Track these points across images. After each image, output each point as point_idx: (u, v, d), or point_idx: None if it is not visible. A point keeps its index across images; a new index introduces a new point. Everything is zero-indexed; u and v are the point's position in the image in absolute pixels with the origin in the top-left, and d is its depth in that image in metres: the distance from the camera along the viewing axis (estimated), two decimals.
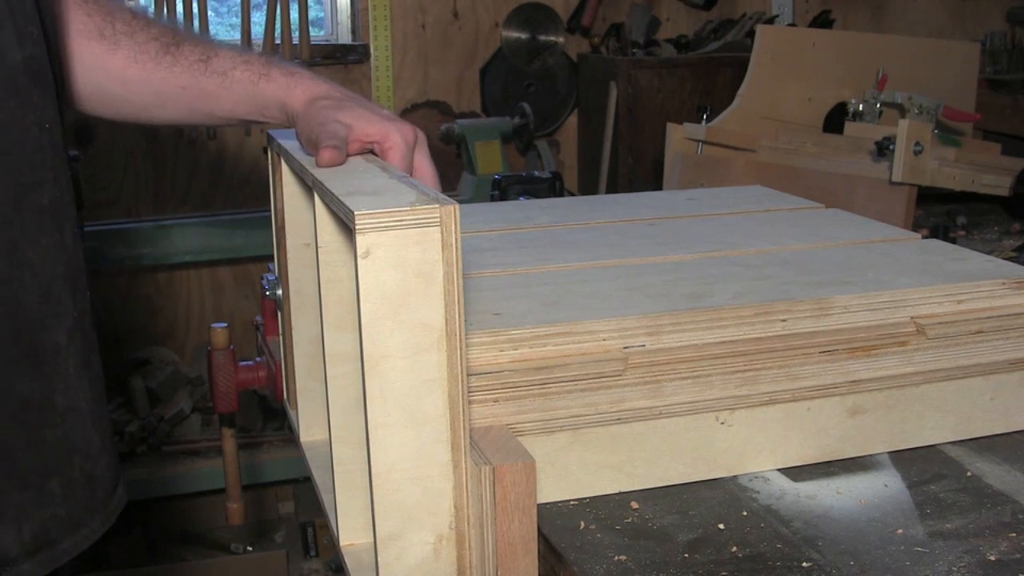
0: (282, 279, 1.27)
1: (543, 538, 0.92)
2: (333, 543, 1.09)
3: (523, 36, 3.66)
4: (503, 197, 2.84)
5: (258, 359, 1.90)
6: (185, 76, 1.14)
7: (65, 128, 0.97)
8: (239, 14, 3.41)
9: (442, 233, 0.83)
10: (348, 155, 1.04)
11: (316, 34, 3.59)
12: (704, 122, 2.61)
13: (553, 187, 2.91)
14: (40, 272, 0.89)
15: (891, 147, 2.20)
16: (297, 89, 1.14)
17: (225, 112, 1.17)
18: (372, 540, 0.89)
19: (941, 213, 2.50)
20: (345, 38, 3.65)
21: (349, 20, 3.65)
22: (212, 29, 3.41)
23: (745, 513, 0.97)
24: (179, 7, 3.29)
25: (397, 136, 1.06)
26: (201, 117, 1.19)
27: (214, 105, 1.16)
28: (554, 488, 0.99)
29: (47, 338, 0.91)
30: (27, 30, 0.90)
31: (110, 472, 1.00)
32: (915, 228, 2.16)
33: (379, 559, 0.87)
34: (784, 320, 1.05)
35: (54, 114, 0.93)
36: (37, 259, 0.89)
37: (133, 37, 1.14)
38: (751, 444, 1.04)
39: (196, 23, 3.30)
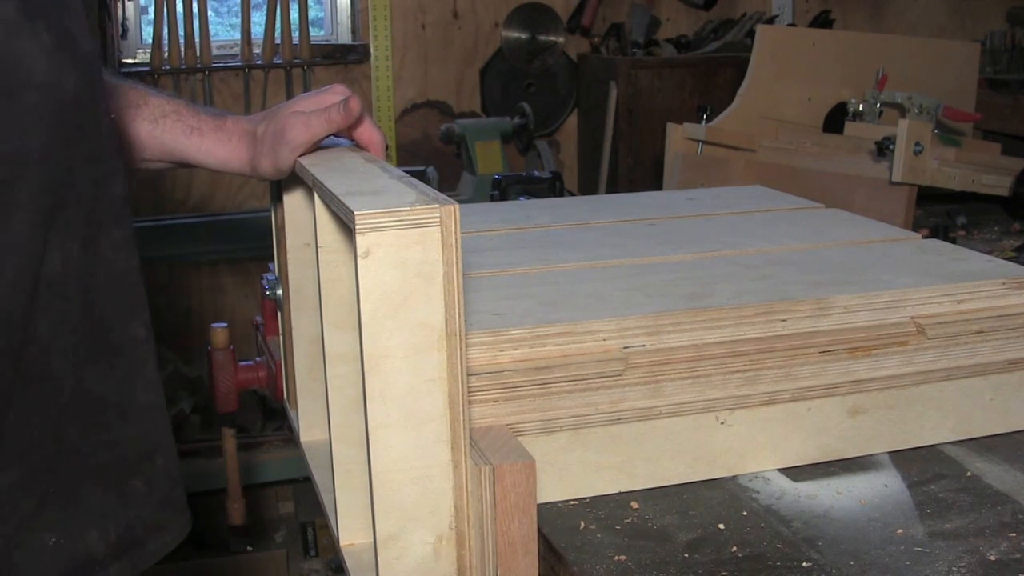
0: (282, 279, 1.27)
1: (543, 538, 0.92)
2: (333, 543, 1.09)
3: (523, 36, 3.66)
4: (503, 197, 2.84)
5: (258, 359, 1.90)
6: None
7: None
8: (239, 14, 3.42)
9: (442, 233, 0.83)
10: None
11: (316, 34, 3.60)
12: (704, 122, 2.61)
13: (553, 187, 2.91)
14: (114, 265, 0.88)
15: (891, 147, 2.19)
16: (233, 140, 1.14)
17: (155, 159, 1.16)
18: (372, 540, 0.89)
19: (941, 213, 2.50)
20: (345, 38, 3.65)
21: (349, 20, 3.65)
22: (212, 29, 3.41)
23: (745, 513, 0.97)
24: (179, 7, 3.29)
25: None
26: (132, 161, 1.17)
27: (144, 151, 1.15)
28: (554, 488, 0.99)
29: (125, 332, 0.90)
30: (88, 20, 0.90)
31: (183, 473, 1.00)
32: (915, 228, 2.15)
33: (379, 559, 0.87)
34: (784, 320, 1.05)
35: (108, 105, 0.92)
36: (111, 251, 0.88)
37: None
38: (751, 444, 1.04)
39: (196, 23, 3.31)
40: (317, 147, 1.12)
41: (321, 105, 1.09)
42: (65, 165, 0.83)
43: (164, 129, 1.13)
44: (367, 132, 1.13)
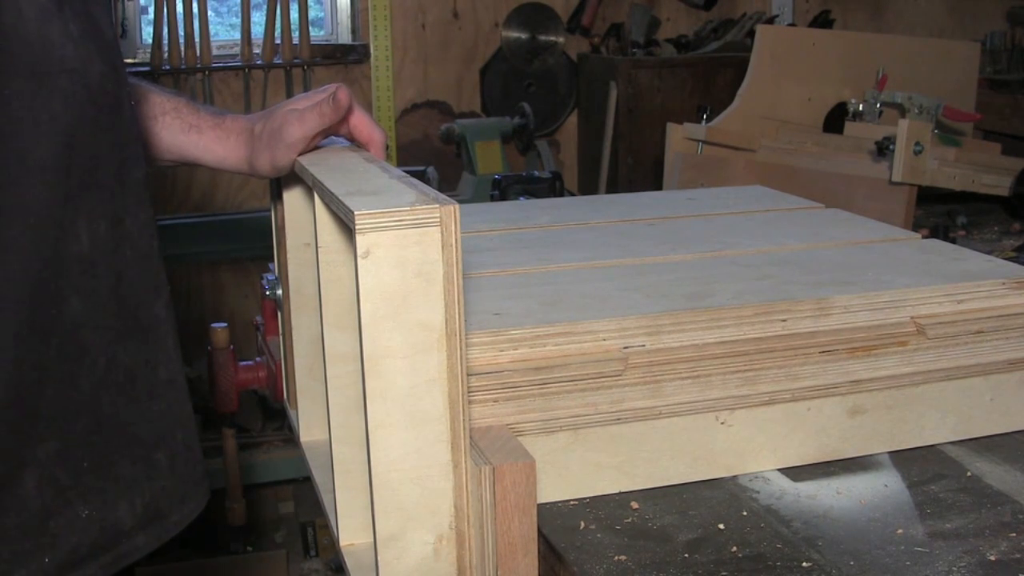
0: (282, 279, 1.27)
1: (543, 538, 0.92)
2: (333, 543, 1.09)
3: (523, 36, 3.66)
4: (503, 197, 2.84)
5: (258, 359, 1.90)
6: None
7: None
8: (239, 14, 3.42)
9: (442, 233, 0.83)
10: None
11: (316, 34, 3.59)
12: (704, 122, 2.61)
13: (553, 187, 2.90)
14: (139, 245, 0.92)
15: (891, 147, 2.20)
16: (231, 138, 1.14)
17: (152, 156, 1.16)
18: (372, 540, 0.89)
19: (941, 213, 2.50)
20: (345, 38, 3.65)
21: (349, 20, 3.65)
22: (212, 29, 3.41)
23: (745, 513, 0.97)
24: (179, 7, 3.29)
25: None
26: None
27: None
28: (554, 488, 0.99)
29: (148, 311, 0.93)
30: (112, 10, 0.93)
31: (201, 448, 1.03)
32: (915, 228, 2.16)
33: (379, 559, 0.87)
34: (784, 320, 1.05)
35: (130, 92, 0.95)
36: (136, 233, 0.91)
37: None
38: (751, 444, 1.04)
39: (196, 23, 3.31)
40: (315, 146, 1.12)
41: (314, 102, 1.10)
42: (91, 148, 0.86)
43: (163, 126, 1.14)
44: (365, 127, 1.14)
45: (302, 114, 1.09)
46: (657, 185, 2.87)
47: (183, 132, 1.14)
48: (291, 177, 1.17)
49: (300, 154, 1.10)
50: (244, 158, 1.14)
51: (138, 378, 0.92)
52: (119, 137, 0.90)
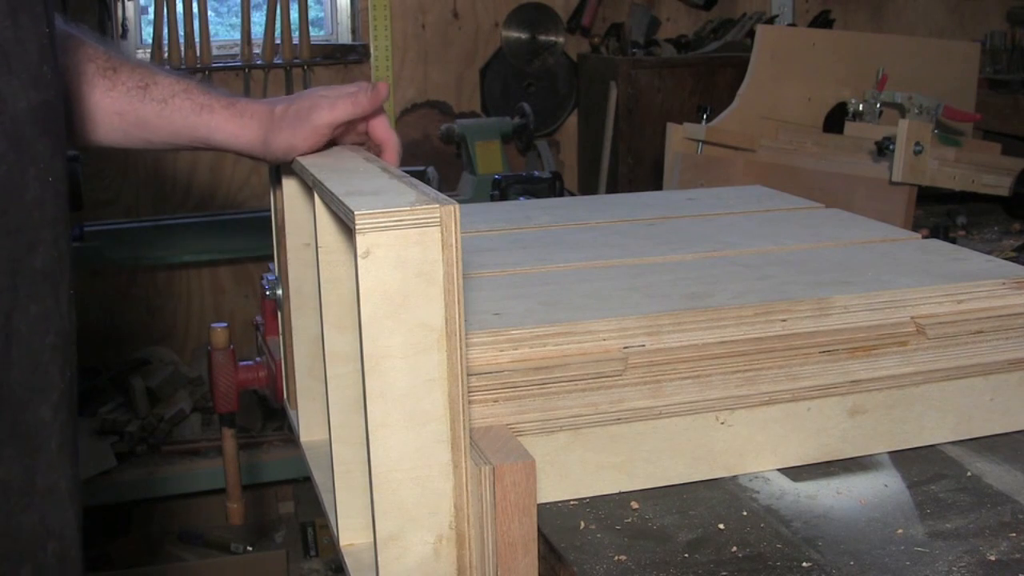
0: (282, 279, 1.27)
1: (543, 538, 0.92)
2: (333, 543, 1.09)
3: (523, 36, 3.66)
4: (503, 197, 2.84)
5: (258, 359, 1.90)
6: (122, 102, 1.11)
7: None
8: (239, 14, 3.42)
9: (442, 233, 0.83)
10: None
11: (316, 34, 3.59)
12: (704, 122, 2.61)
13: (553, 187, 2.91)
14: (28, 343, 0.82)
15: (891, 147, 2.20)
16: (245, 117, 1.13)
17: (162, 140, 1.14)
18: (372, 540, 0.89)
19: (941, 213, 2.50)
20: (345, 38, 3.65)
21: (349, 20, 3.65)
22: (212, 29, 3.41)
23: (745, 513, 0.97)
24: (179, 7, 3.29)
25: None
26: (138, 143, 1.15)
27: (151, 133, 1.13)
28: (554, 488, 0.99)
29: (31, 415, 0.83)
30: (41, 71, 0.82)
31: (82, 552, 0.93)
32: (915, 228, 2.15)
33: (379, 559, 0.87)
34: (784, 320, 1.05)
35: (60, 164, 0.85)
36: (26, 330, 0.81)
37: (68, 56, 1.08)
38: (751, 444, 1.04)
39: (196, 23, 3.31)
40: (333, 141, 1.12)
41: (346, 92, 1.10)
42: None
43: (173, 108, 1.12)
44: (383, 128, 1.14)
45: (334, 101, 1.08)
46: (657, 185, 2.87)
47: (194, 113, 1.12)
48: (291, 176, 1.17)
49: (318, 147, 1.10)
50: (259, 138, 1.12)
51: (12, 490, 0.82)
52: (14, 225, 0.80)
